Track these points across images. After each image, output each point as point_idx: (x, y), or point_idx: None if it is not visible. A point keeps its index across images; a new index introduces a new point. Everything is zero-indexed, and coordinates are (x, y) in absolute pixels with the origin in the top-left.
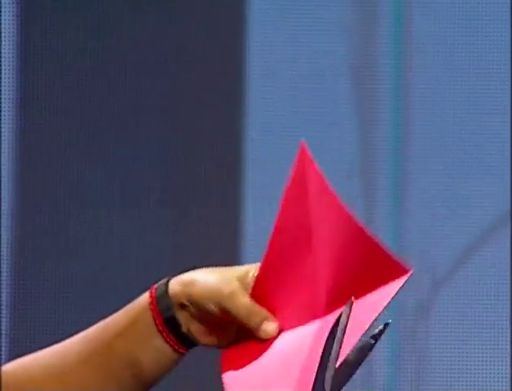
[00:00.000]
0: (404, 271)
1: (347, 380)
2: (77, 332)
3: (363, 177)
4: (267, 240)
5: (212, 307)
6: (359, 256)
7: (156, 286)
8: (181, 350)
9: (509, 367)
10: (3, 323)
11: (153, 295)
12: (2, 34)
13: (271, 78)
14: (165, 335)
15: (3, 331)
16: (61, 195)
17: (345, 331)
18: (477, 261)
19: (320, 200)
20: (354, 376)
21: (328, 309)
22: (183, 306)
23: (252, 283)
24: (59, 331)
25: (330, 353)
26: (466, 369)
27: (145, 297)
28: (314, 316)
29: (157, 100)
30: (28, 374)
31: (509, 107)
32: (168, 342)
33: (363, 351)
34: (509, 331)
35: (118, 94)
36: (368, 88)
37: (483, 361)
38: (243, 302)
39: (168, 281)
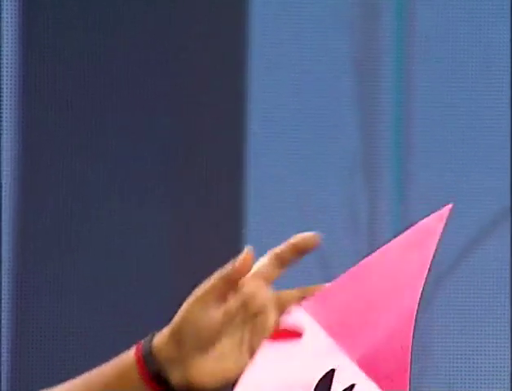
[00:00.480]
0: None
1: None
2: (77, 330)
3: (365, 172)
4: (270, 235)
5: (207, 312)
6: (392, 355)
7: (142, 343)
8: None
9: (509, 361)
10: (5, 323)
11: (139, 353)
12: (4, 28)
13: (273, 73)
14: (152, 387)
15: (4, 330)
16: (63, 193)
17: None
18: (479, 254)
19: (415, 272)
20: None
21: (357, 355)
22: (174, 362)
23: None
24: (61, 330)
25: None
26: (468, 362)
27: (131, 354)
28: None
29: (159, 97)
30: None
31: (509, 101)
32: None
33: None
34: (510, 324)
35: (120, 90)
36: (370, 82)
37: (484, 354)
38: (213, 276)
39: (152, 338)
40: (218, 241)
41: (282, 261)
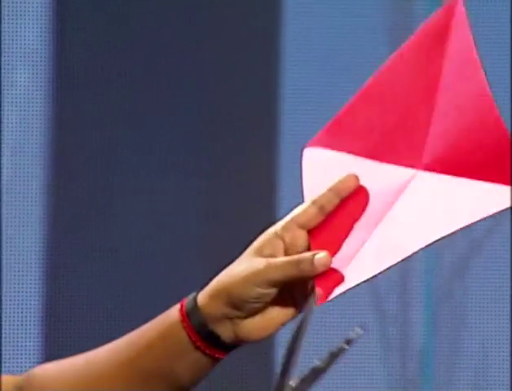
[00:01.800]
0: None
1: (313, 385)
2: (110, 296)
3: None
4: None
5: (260, 291)
6: (480, 137)
7: (184, 302)
8: (223, 356)
9: None
10: (38, 289)
11: (184, 313)
12: (37, 10)
13: (307, 43)
14: (203, 349)
15: (38, 296)
16: (95, 163)
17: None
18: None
19: (455, 59)
20: (389, 338)
21: (423, 162)
22: (221, 319)
23: (267, 251)
24: (94, 296)
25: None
26: (503, 329)
27: (175, 313)
28: (409, 158)
29: (191, 72)
30: (63, 377)
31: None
32: (208, 355)
33: (333, 357)
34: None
35: (153, 65)
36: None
37: None
38: (282, 262)
39: (195, 297)
40: (249, 211)
41: (325, 211)
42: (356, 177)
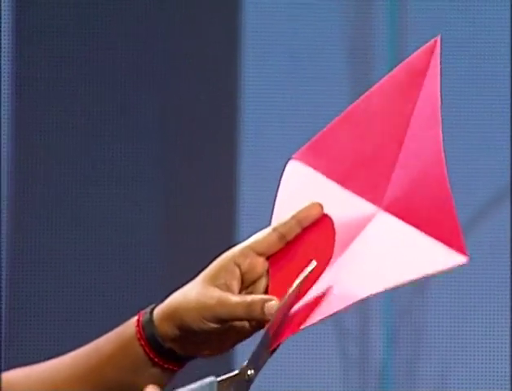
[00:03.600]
0: (461, 251)
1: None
2: (72, 305)
3: None
4: (264, 202)
5: (210, 325)
6: (428, 192)
7: (141, 317)
8: (182, 367)
9: (508, 344)
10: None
11: (140, 329)
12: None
13: (266, 34)
14: (162, 364)
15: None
16: (56, 172)
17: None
18: (475, 237)
19: (423, 106)
20: (348, 353)
21: (384, 201)
22: (175, 338)
23: (222, 279)
24: (55, 306)
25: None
26: (462, 345)
27: (132, 328)
28: (374, 195)
29: (151, 76)
30: (29, 384)
31: (508, 82)
32: (167, 368)
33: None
34: (508, 307)
35: (115, 72)
36: (363, 56)
37: (479, 337)
38: (233, 303)
39: (152, 311)
40: (213, 217)
41: (285, 239)
42: (320, 206)
